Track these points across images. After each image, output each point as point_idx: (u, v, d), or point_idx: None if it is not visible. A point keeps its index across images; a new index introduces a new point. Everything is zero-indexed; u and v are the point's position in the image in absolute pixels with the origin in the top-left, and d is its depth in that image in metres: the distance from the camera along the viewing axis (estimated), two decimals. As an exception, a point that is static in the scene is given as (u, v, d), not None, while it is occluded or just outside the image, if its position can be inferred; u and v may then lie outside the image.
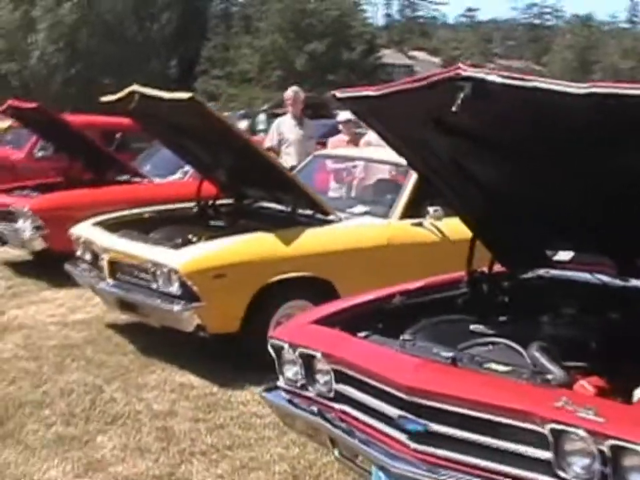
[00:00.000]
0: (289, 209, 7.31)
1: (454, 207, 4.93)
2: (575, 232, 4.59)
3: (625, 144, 3.47)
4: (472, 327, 4.61)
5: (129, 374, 6.64)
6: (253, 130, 22.01)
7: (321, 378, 4.19)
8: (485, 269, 5.06)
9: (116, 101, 7.26)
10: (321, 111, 21.97)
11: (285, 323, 4.67)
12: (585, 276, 4.90)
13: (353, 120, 10.81)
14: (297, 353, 4.24)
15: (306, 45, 57.12)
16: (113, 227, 7.57)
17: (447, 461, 3.53)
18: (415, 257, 7.18)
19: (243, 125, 19.14)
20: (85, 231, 7.73)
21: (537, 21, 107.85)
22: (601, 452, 3.09)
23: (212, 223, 7.93)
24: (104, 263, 7.13)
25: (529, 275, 5.16)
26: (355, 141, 10.56)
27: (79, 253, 7.78)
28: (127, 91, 6.96)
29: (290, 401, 4.39)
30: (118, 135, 12.76)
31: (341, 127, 10.94)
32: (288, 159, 9.76)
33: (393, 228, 7.21)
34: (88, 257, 7.59)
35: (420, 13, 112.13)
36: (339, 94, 4.21)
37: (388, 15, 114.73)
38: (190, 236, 7.08)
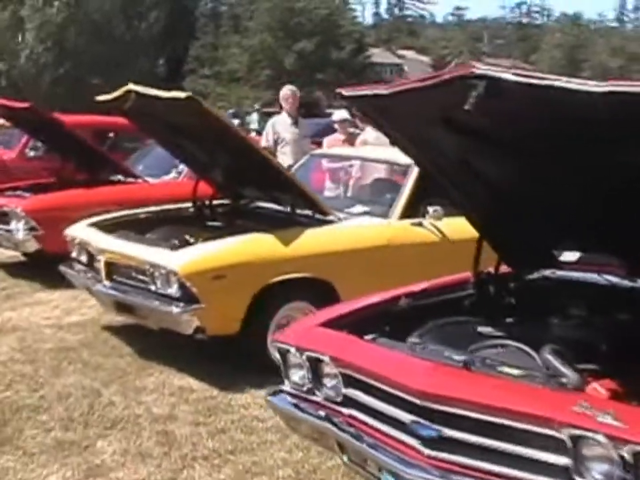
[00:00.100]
0: (288, 209, 7.22)
1: (460, 207, 4.85)
2: (583, 232, 4.53)
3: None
4: (480, 328, 4.54)
5: (126, 377, 6.54)
6: (244, 129, 21.93)
7: (329, 382, 4.11)
8: (491, 270, 4.99)
9: (111, 100, 7.16)
10: (313, 110, 21.92)
11: (290, 326, 4.58)
12: (592, 276, 4.83)
13: (349, 119, 10.78)
14: (303, 357, 4.15)
15: (295, 44, 57.04)
16: (109, 227, 7.47)
17: (461, 466, 3.46)
18: (414, 257, 7.12)
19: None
20: (81, 232, 7.63)
21: (525, 20, 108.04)
22: (622, 457, 3.02)
23: (209, 223, 7.83)
24: (100, 265, 7.03)
25: (535, 275, 5.10)
26: (350, 140, 10.48)
27: (74, 254, 7.68)
28: (122, 90, 6.87)
29: (296, 405, 4.30)
30: (111, 135, 12.65)
31: (336, 126, 10.86)
32: (284, 159, 9.66)
33: (393, 228, 7.14)
34: (83, 258, 7.49)
35: (408, 12, 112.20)
36: (345, 92, 4.13)
37: (376, 14, 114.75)
38: (188, 237, 6.99)
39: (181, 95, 6.35)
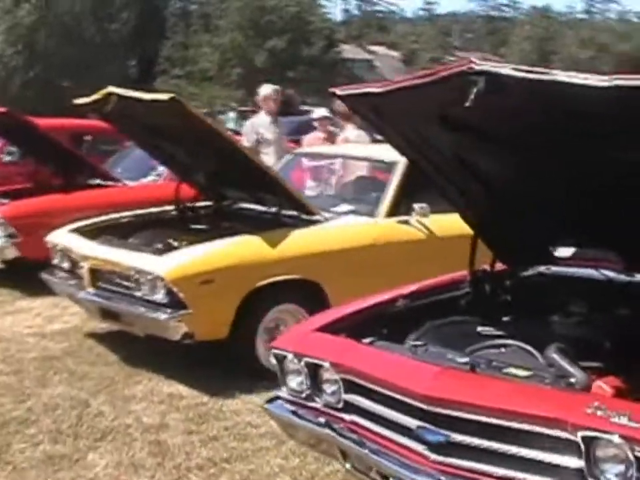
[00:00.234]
0: (274, 210, 7.12)
1: (455, 204, 4.77)
2: (579, 227, 4.46)
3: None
4: (479, 328, 4.48)
5: (114, 385, 6.41)
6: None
7: (329, 388, 4.01)
8: (487, 267, 4.92)
9: (91, 103, 7.03)
10: (288, 108, 21.78)
11: (286, 331, 4.47)
12: (588, 272, 4.78)
13: (329, 117, 10.68)
14: (302, 363, 4.05)
15: (265, 42, 56.83)
16: (91, 233, 7.33)
17: (470, 471, 3.38)
18: (402, 256, 7.05)
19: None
20: (62, 238, 7.49)
21: (494, 13, 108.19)
22: (638, 458, 2.95)
23: (193, 226, 7.71)
24: (84, 271, 6.90)
25: (530, 272, 5.04)
26: (331, 138, 10.37)
27: (55, 261, 7.53)
28: (102, 92, 6.74)
29: (294, 412, 4.20)
30: (87, 138, 12.48)
31: (316, 124, 10.74)
32: (267, 159, 9.51)
33: (380, 227, 7.05)
34: (66, 265, 7.35)
35: (378, 8, 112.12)
36: (339, 91, 4.05)
37: (346, 10, 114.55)
38: (173, 240, 6.88)
39: (164, 96, 6.23)
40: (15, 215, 9.41)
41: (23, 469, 5.03)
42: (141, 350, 7.04)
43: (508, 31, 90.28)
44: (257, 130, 9.98)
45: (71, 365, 6.90)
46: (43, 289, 8.24)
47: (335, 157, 8.55)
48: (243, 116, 27.73)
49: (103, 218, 7.86)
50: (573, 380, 3.51)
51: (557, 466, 3.17)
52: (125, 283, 6.53)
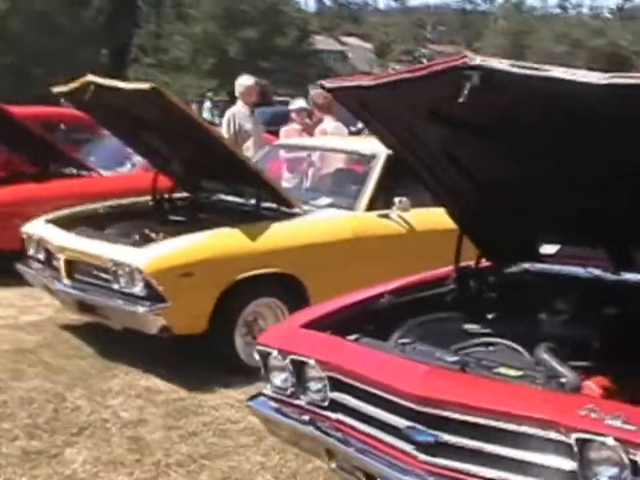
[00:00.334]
0: (251, 202, 7.04)
1: (441, 200, 4.71)
2: (565, 224, 4.42)
3: (636, 135, 3.30)
4: (466, 326, 4.44)
5: (90, 379, 6.31)
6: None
7: (314, 386, 3.95)
8: (472, 264, 4.87)
9: (69, 91, 6.91)
10: (262, 99, 21.62)
11: (271, 327, 4.39)
12: (573, 269, 4.75)
13: (307, 108, 10.58)
14: (287, 360, 3.99)
15: (239, 32, 56.59)
16: (67, 224, 7.21)
17: (459, 473, 3.33)
18: (382, 250, 7.00)
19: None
20: (38, 228, 7.36)
21: (468, 6, 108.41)
22: (633, 462, 2.92)
23: (171, 217, 7.63)
24: (60, 263, 6.78)
25: (515, 269, 5.00)
26: (308, 130, 10.27)
27: (30, 252, 7.41)
28: (81, 81, 6.63)
29: (278, 410, 4.14)
30: (61, 126, 12.31)
31: (293, 115, 10.63)
32: (246, 151, 9.41)
33: (360, 220, 6.99)
34: (41, 256, 7.23)
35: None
36: (327, 84, 3.98)
37: (319, 1, 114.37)
38: (151, 232, 6.80)
39: (145, 86, 6.14)
40: (-13, 204, 9.25)
41: (-1, 465, 4.94)
42: (116, 343, 6.94)
43: (482, 24, 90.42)
44: (237, 121, 9.85)
45: (46, 358, 6.79)
46: (14, 280, 8.13)
47: (314, 149, 8.46)
48: (217, 106, 27.62)
49: (80, 208, 7.75)
50: (563, 380, 3.47)
51: (548, 468, 3.13)
52: (102, 275, 6.43)
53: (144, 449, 5.13)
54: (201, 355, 6.51)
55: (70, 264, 6.73)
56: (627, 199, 3.81)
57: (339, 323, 4.21)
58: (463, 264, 4.80)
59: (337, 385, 3.81)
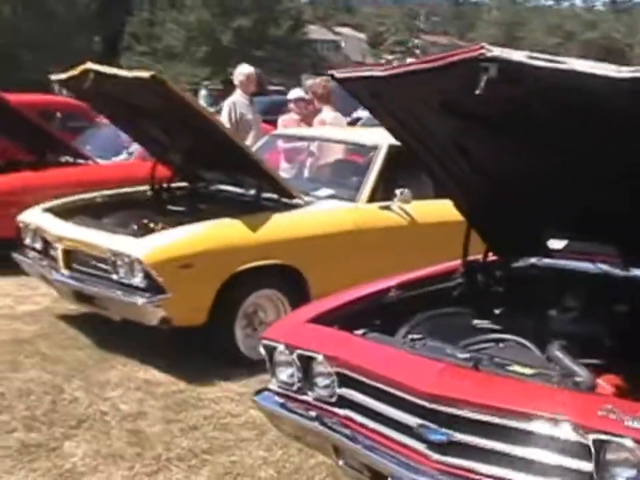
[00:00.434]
0: (253, 193, 6.96)
1: (449, 193, 4.64)
2: (575, 220, 4.36)
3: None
4: (475, 321, 4.38)
5: (88, 370, 6.23)
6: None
7: (321, 381, 3.88)
8: (479, 258, 4.81)
9: (67, 79, 6.82)
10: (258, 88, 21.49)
11: (277, 321, 4.32)
12: (581, 265, 4.69)
13: (305, 98, 10.48)
14: (294, 355, 3.92)
15: (232, 20, 56.38)
16: (65, 213, 7.11)
17: (472, 472, 3.26)
18: (383, 242, 6.94)
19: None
20: (36, 217, 7.25)
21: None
22: (652, 463, 2.86)
23: (170, 207, 7.54)
24: (58, 253, 6.68)
25: (522, 263, 4.93)
26: (307, 119, 10.18)
27: (27, 241, 7.31)
28: (80, 68, 6.53)
29: (283, 405, 4.07)
30: (57, 114, 12.20)
31: (291, 105, 10.54)
32: (247, 140, 9.30)
33: (361, 212, 6.92)
34: (38, 245, 7.13)
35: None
36: (337, 74, 3.90)
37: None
38: (150, 222, 6.72)
39: (145, 74, 6.04)
40: (-16, 192, 9.13)
41: (-4, 458, 4.86)
42: (113, 333, 6.86)
43: (475, 15, 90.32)
44: (237, 111, 9.75)
45: (43, 348, 6.71)
46: (10, 269, 8.03)
47: (315, 139, 8.38)
48: (212, 95, 27.46)
49: (77, 197, 7.64)
50: (578, 379, 3.41)
51: (564, 468, 3.07)
52: (101, 266, 6.34)
53: (144, 443, 5.06)
54: (200, 346, 6.43)
55: (68, 254, 6.64)
56: (637, 195, 3.74)
57: (346, 318, 4.15)
58: (470, 258, 4.73)
59: (345, 381, 3.75)
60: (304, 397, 3.96)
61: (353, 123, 17.07)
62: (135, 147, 10.17)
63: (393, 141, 7.18)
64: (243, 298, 6.31)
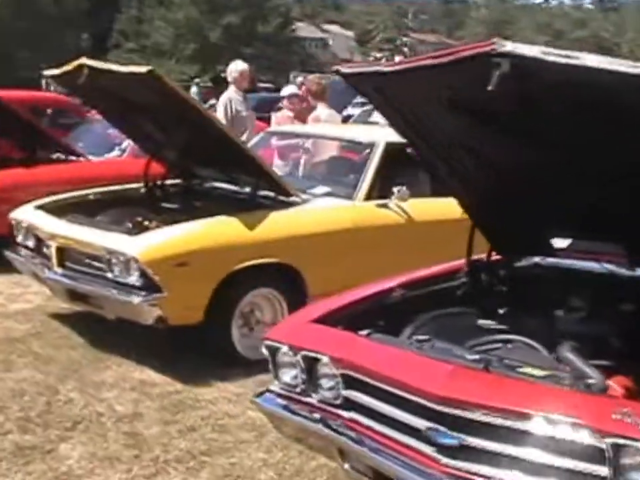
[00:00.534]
0: (249, 190, 6.87)
1: (453, 190, 4.57)
2: (580, 219, 4.28)
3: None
4: (480, 321, 4.31)
5: (82, 370, 6.13)
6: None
7: (326, 383, 3.80)
8: (483, 257, 4.73)
9: (61, 75, 6.72)
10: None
11: (280, 322, 4.23)
12: (585, 264, 4.62)
13: (298, 94, 10.41)
14: (298, 356, 3.83)
15: (220, 17, 56.29)
16: (58, 210, 7.00)
17: (483, 477, 3.19)
18: (381, 240, 6.87)
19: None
20: (28, 215, 7.14)
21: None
22: (670, 468, 2.79)
23: (164, 205, 7.43)
24: (51, 250, 6.57)
25: (526, 262, 4.86)
26: (301, 117, 10.10)
27: (19, 238, 7.19)
28: (74, 64, 6.43)
29: (286, 407, 3.99)
30: (48, 111, 12.08)
31: (285, 102, 10.45)
32: (242, 137, 9.21)
33: (359, 210, 6.84)
34: (31, 243, 7.02)
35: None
36: (343, 70, 3.82)
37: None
38: (145, 220, 6.63)
39: (142, 69, 5.95)
40: (-25, 189, 9.00)
41: (-9, 460, 4.76)
42: (107, 332, 6.75)
43: (464, 13, 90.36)
44: (233, 107, 9.64)
45: (35, 348, 6.60)
46: (3, 266, 7.92)
47: (311, 136, 8.29)
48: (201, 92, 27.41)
49: (70, 194, 7.53)
50: (591, 382, 3.34)
51: (579, 473, 3.00)
52: (95, 264, 6.24)
53: (141, 445, 4.96)
54: (196, 346, 6.34)
55: (61, 252, 6.53)
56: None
57: (349, 318, 4.07)
58: (474, 257, 4.66)
59: (351, 382, 3.67)
60: (308, 399, 3.88)
61: (344, 120, 16.99)
62: (127, 144, 10.07)
63: (390, 138, 7.23)
64: (239, 297, 6.23)
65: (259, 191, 6.77)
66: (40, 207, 7.17)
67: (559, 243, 4.77)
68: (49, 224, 6.75)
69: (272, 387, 4.09)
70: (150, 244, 5.95)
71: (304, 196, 6.83)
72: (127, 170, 8.87)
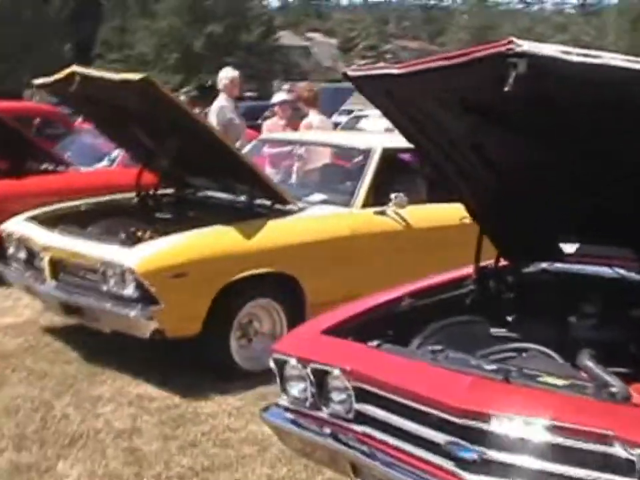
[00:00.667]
0: (244, 199, 6.74)
1: (460, 195, 4.46)
2: (590, 223, 4.19)
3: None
4: (491, 330, 4.20)
5: (77, 385, 5.99)
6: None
7: (337, 396, 3.67)
8: (491, 263, 4.62)
9: (51, 83, 6.58)
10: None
11: (288, 333, 4.09)
12: (592, 269, 4.51)
13: (289, 100, 10.30)
14: (307, 369, 3.71)
15: (204, 27, 56.17)
16: (50, 221, 6.85)
17: (507, 492, 3.07)
18: (379, 248, 6.76)
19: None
20: (19, 226, 6.98)
21: (432, 2, 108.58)
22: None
23: (157, 215, 7.29)
24: (44, 263, 6.43)
25: (534, 268, 4.75)
26: (292, 124, 9.98)
27: (11, 251, 7.03)
28: (65, 72, 6.30)
29: (295, 422, 3.86)
30: (35, 121, 11.93)
31: (276, 109, 10.33)
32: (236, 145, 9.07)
33: (356, 217, 6.72)
34: (22, 255, 6.86)
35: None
36: (350, 72, 3.70)
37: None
38: (139, 231, 6.49)
39: (135, 76, 5.82)
40: (-37, 201, 8.84)
41: (-13, 481, 4.62)
42: (102, 345, 6.61)
43: (445, 20, 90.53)
44: (226, 115, 9.50)
45: (29, 363, 6.45)
46: (-10, 280, 7.78)
47: (306, 143, 8.17)
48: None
49: (61, 205, 7.38)
50: (613, 390, 3.22)
51: (606, 485, 2.89)
52: (90, 276, 6.10)
53: (142, 462, 4.82)
54: (192, 358, 6.20)
55: (54, 264, 6.38)
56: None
57: (358, 329, 3.95)
58: (482, 264, 4.55)
59: (363, 395, 3.54)
60: (318, 413, 3.76)
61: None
62: (117, 154, 9.94)
63: (387, 144, 7.14)
64: (238, 308, 6.10)
65: (255, 199, 6.64)
66: (31, 219, 7.02)
67: (567, 247, 4.67)
68: (41, 236, 6.61)
69: (279, 401, 3.96)
70: (146, 255, 5.81)
71: (300, 204, 6.70)
72: (117, 180, 8.77)
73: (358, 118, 18.73)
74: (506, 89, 2.97)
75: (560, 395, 3.14)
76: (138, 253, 5.84)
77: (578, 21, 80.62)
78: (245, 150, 8.35)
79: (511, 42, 2.99)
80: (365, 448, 3.54)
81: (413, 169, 7.73)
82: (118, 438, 5.14)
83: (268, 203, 6.64)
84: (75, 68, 6.23)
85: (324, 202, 6.92)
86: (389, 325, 4.04)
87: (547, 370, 3.49)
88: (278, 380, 3.91)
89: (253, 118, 18.94)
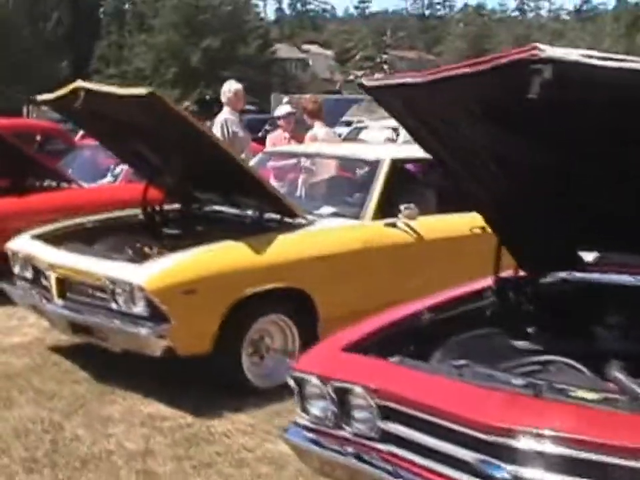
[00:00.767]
0: (253, 213, 6.65)
1: (478, 205, 4.37)
2: (608, 231, 4.09)
3: None
4: (514, 342, 4.11)
5: (87, 405, 5.87)
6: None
7: (360, 415, 3.57)
8: (511, 274, 4.53)
9: (55, 99, 6.49)
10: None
11: (308, 351, 3.98)
12: (613, 278, 4.42)
13: (293, 112, 10.21)
14: (328, 387, 3.60)
15: (201, 41, 56.29)
16: (56, 239, 6.74)
17: (541, 513, 2.96)
18: (391, 260, 6.67)
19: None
20: (24, 245, 6.87)
21: (427, 11, 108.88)
22: None
23: (165, 231, 7.19)
24: (51, 281, 6.32)
25: (552, 278, 4.65)
26: (297, 137, 9.89)
27: (16, 270, 6.93)
28: (70, 87, 6.21)
29: (316, 442, 3.75)
30: (37, 138, 11.84)
31: (280, 121, 10.25)
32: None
33: (367, 229, 6.62)
34: (28, 274, 6.76)
35: (311, 7, 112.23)
36: (367, 83, 3.61)
37: (279, 10, 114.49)
38: (147, 247, 6.39)
39: (142, 91, 5.72)
40: (-34, 220, 8.74)
41: (-2, 506, 4.50)
42: (111, 364, 6.48)
43: (441, 29, 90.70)
44: (231, 129, 9.40)
45: (36, 383, 6.32)
46: (-4, 299, 7.66)
47: (313, 156, 8.08)
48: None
49: (67, 223, 7.27)
50: (648, 403, 3.13)
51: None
52: (98, 294, 5.99)
53: (157, 484, 4.72)
54: (204, 376, 6.09)
55: (61, 282, 6.28)
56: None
57: (379, 344, 3.86)
58: (502, 275, 4.45)
59: (388, 413, 3.44)
60: (340, 432, 3.66)
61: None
62: (121, 169, 9.85)
63: (395, 155, 7.07)
64: (249, 324, 5.99)
65: (264, 213, 6.55)
66: (37, 237, 6.91)
67: (587, 256, 4.58)
68: (48, 254, 6.50)
69: (299, 420, 3.85)
70: (155, 272, 5.71)
71: (310, 217, 6.60)
72: (120, 195, 8.71)
73: (359, 129, 18.70)
74: (531, 95, 2.89)
75: (592, 410, 3.04)
76: (147, 270, 5.74)
77: (574, 26, 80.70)
78: (251, 163, 8.26)
79: (535, 48, 2.90)
80: (390, 467, 3.44)
81: (421, 180, 7.65)
82: (131, 460, 5.02)
83: (277, 216, 6.54)
84: (79, 83, 6.14)
85: (333, 215, 6.83)
86: (409, 340, 3.95)
87: (576, 383, 3.40)
88: (298, 399, 3.81)
89: (253, 131, 18.86)
